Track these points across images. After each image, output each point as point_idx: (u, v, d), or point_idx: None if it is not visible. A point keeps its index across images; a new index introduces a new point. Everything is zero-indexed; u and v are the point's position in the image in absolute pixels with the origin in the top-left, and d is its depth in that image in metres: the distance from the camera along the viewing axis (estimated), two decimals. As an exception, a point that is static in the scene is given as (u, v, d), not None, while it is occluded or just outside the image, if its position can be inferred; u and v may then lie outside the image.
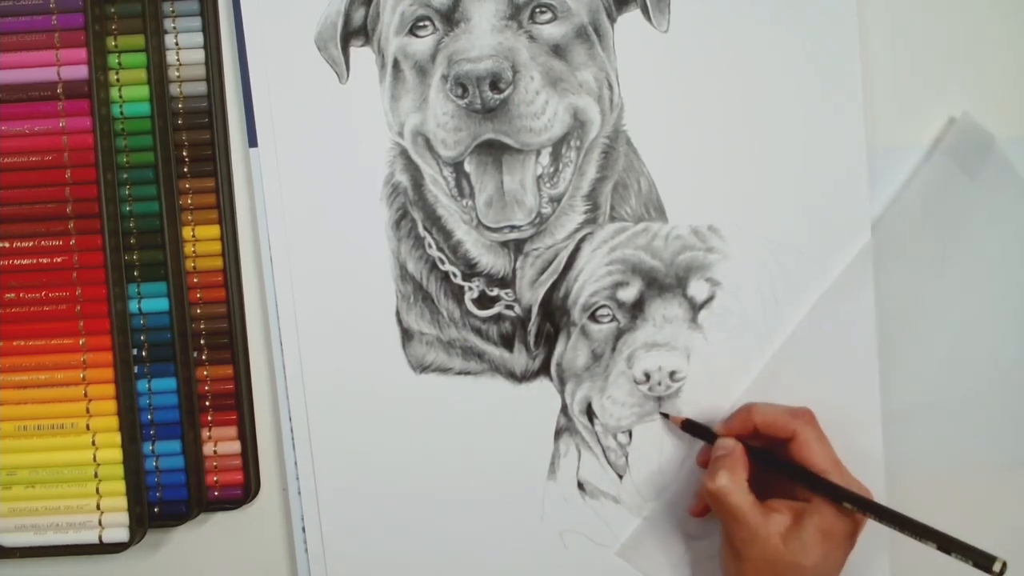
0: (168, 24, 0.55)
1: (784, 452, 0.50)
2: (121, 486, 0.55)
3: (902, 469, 0.53)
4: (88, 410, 0.55)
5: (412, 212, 0.55)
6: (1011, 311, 0.54)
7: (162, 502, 0.56)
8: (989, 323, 0.54)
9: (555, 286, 0.54)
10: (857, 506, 0.47)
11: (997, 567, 0.43)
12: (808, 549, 0.47)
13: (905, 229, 0.53)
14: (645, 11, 0.53)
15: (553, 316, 0.55)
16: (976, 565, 0.44)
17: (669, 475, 0.55)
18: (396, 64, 0.53)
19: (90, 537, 0.55)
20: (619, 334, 0.54)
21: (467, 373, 0.55)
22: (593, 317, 0.54)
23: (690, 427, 0.54)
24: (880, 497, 0.50)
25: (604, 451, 0.55)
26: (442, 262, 0.55)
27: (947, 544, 0.45)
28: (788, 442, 0.50)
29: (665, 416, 0.54)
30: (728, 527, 0.49)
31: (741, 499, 0.48)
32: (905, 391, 0.52)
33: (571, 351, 0.55)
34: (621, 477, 0.55)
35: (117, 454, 0.55)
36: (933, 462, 0.54)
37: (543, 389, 0.55)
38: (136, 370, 0.56)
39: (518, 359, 0.55)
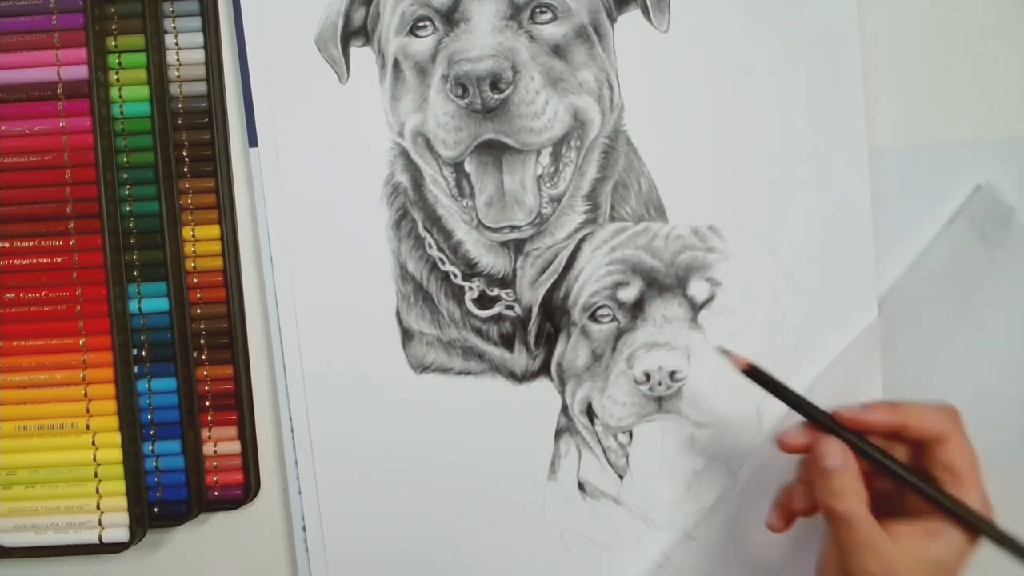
0: (168, 24, 0.55)
1: (921, 451, 0.46)
2: (121, 486, 0.55)
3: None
4: (88, 410, 0.55)
5: (412, 212, 0.55)
6: (1020, 384, 0.54)
7: (162, 502, 0.56)
8: (998, 396, 0.54)
9: (555, 286, 0.54)
10: (993, 538, 0.44)
11: None
12: (945, 570, 0.43)
13: (917, 297, 0.53)
14: (645, 11, 0.53)
15: (553, 316, 0.55)
16: None
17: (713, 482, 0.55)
18: (396, 64, 0.53)
19: (90, 537, 0.55)
20: (619, 334, 0.54)
21: (467, 373, 0.55)
22: (593, 317, 0.54)
23: (757, 376, 0.47)
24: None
25: (605, 451, 0.55)
26: (442, 262, 0.55)
27: None
28: (932, 444, 0.45)
29: (726, 352, 0.49)
30: (854, 557, 0.43)
31: (871, 527, 0.43)
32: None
33: (571, 351, 0.55)
34: (622, 478, 0.55)
35: (117, 454, 0.55)
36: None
37: (543, 389, 0.55)
38: (136, 370, 0.56)
39: (518, 359, 0.55)
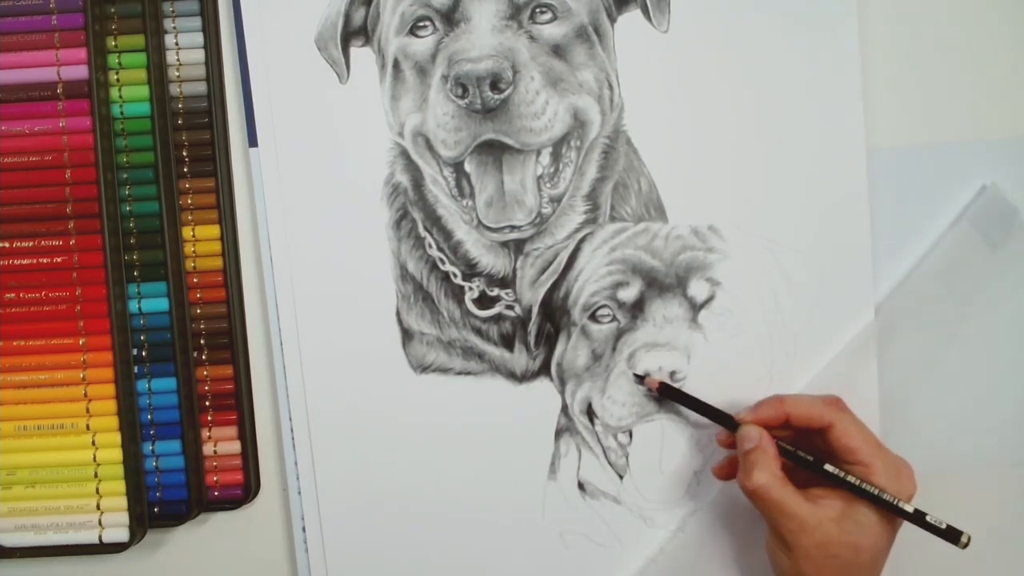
0: (168, 24, 0.55)
1: (818, 441, 0.50)
2: (121, 486, 0.55)
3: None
4: (88, 410, 0.55)
5: (412, 212, 0.55)
6: (1020, 384, 0.54)
7: (162, 502, 0.56)
8: (999, 397, 0.54)
9: (555, 286, 0.54)
10: (887, 508, 0.47)
11: (964, 539, 0.47)
12: (866, 528, 0.47)
13: (919, 297, 0.53)
14: (645, 11, 0.53)
15: (553, 316, 0.55)
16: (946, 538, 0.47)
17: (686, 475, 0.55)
18: (396, 64, 0.53)
19: (90, 537, 0.55)
20: (619, 334, 0.54)
21: (467, 373, 0.55)
22: (593, 317, 0.54)
23: (669, 392, 0.53)
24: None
25: (604, 451, 0.55)
26: (442, 262, 0.55)
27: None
28: (824, 431, 0.49)
29: (640, 379, 0.54)
30: (774, 521, 0.48)
31: (783, 492, 0.47)
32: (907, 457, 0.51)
33: (571, 351, 0.55)
34: (621, 477, 0.55)
35: (117, 454, 0.55)
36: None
37: (543, 389, 0.55)
38: (136, 370, 0.56)
39: (518, 359, 0.55)
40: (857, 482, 0.48)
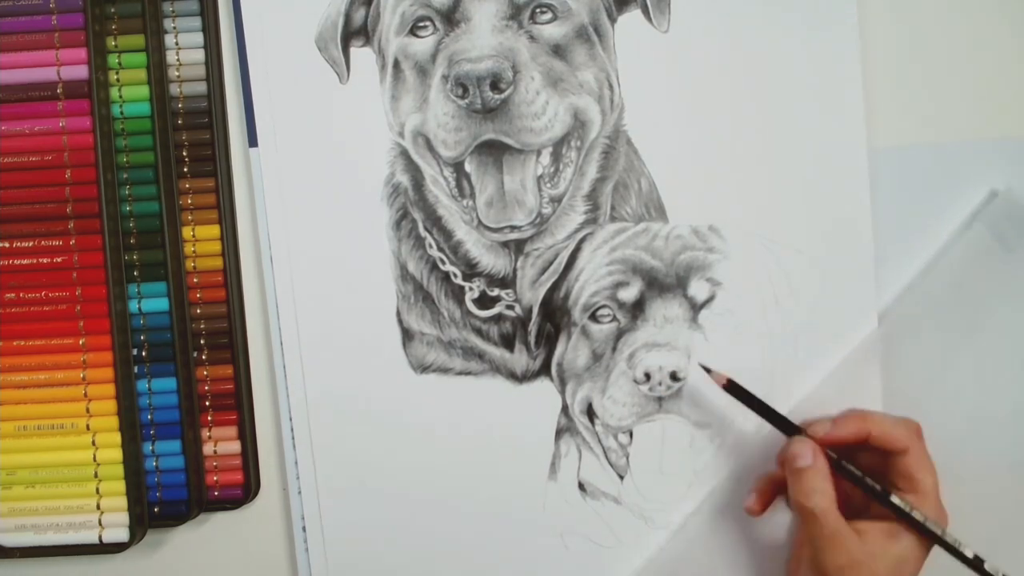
0: (168, 24, 0.55)
1: (876, 460, 0.49)
2: (121, 486, 0.55)
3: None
4: (88, 410, 0.55)
5: (413, 212, 0.55)
6: None
7: (162, 502, 0.56)
8: (1009, 404, 0.53)
9: (556, 286, 0.54)
10: (938, 542, 0.48)
11: None
12: (905, 567, 0.47)
13: (929, 300, 0.52)
14: (645, 11, 0.53)
15: (554, 316, 0.55)
16: None
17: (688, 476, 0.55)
18: (396, 64, 0.53)
19: (90, 537, 0.55)
20: (620, 334, 0.54)
21: (468, 373, 0.55)
22: (594, 317, 0.54)
23: (735, 391, 0.51)
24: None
25: (605, 451, 0.55)
26: (443, 262, 0.55)
27: None
28: (895, 455, 0.48)
29: (707, 370, 0.52)
30: (821, 550, 0.47)
31: (839, 524, 0.47)
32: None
33: (572, 351, 0.55)
34: (622, 478, 0.55)
35: (117, 454, 0.55)
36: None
37: (544, 389, 0.55)
38: (136, 370, 0.55)
39: (519, 359, 0.55)
40: (941, 532, 0.48)
